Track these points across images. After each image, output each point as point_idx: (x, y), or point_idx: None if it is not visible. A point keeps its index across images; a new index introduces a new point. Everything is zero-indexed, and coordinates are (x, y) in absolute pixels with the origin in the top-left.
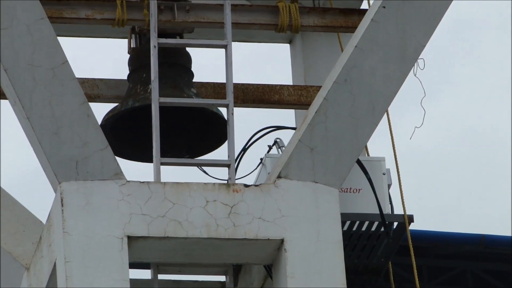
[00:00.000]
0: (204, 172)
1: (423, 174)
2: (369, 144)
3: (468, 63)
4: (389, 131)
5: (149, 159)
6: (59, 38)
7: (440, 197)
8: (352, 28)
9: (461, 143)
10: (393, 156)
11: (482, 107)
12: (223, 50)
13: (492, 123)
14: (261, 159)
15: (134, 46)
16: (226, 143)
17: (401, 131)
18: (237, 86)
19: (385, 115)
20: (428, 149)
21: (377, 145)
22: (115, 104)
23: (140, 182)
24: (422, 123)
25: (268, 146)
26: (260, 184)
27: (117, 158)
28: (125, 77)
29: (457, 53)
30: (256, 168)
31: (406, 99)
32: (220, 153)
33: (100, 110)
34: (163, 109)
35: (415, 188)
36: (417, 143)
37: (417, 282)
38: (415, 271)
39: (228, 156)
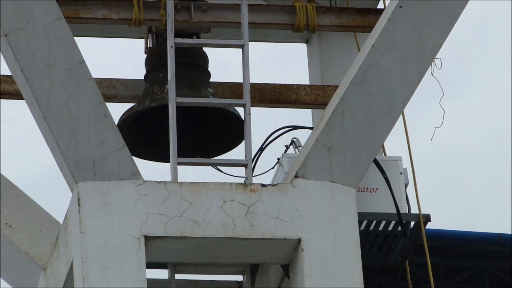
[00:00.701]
0: (220, 170)
1: (441, 173)
2: (386, 144)
3: (489, 61)
4: (408, 130)
5: (166, 159)
6: (75, 38)
7: (457, 196)
8: (369, 28)
9: (479, 143)
10: (409, 155)
11: (503, 106)
12: (240, 50)
13: (508, 121)
14: (278, 158)
15: (151, 46)
16: (243, 143)
17: (420, 131)
18: (254, 86)
19: (405, 113)
20: (447, 149)
21: (394, 145)
22: (132, 104)
23: (157, 182)
24: (442, 123)
25: (285, 146)
26: (277, 183)
27: (134, 158)
28: (142, 77)
29: (477, 52)
30: (273, 167)
31: (425, 98)
32: (237, 153)
33: (117, 110)
34: (180, 109)
35: (433, 188)
36: (436, 143)
37: (432, 282)
38: (430, 270)
39: (245, 156)
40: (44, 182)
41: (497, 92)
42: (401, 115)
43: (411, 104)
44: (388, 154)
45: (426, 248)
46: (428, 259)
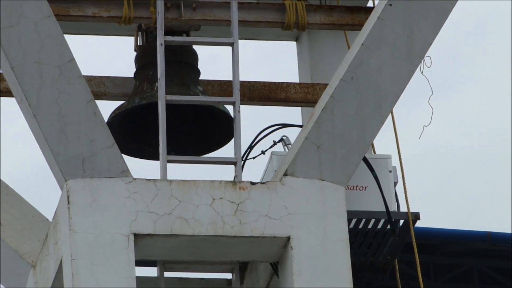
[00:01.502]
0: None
1: (430, 171)
2: (375, 142)
3: (481, 60)
4: (397, 128)
5: (155, 157)
6: (66, 36)
7: (447, 194)
8: (358, 26)
9: (468, 141)
10: (398, 154)
11: (493, 105)
12: (230, 48)
13: (497, 120)
14: (262, 151)
15: (141, 44)
16: (232, 140)
17: (409, 129)
18: (243, 84)
19: (394, 111)
20: (436, 147)
21: (384, 143)
22: (122, 102)
23: (147, 179)
24: (430, 122)
25: (273, 141)
26: (267, 181)
27: (124, 155)
28: (132, 75)
29: (469, 50)
30: (256, 157)
31: (415, 97)
32: (227, 151)
33: (107, 107)
34: (169, 106)
35: (422, 186)
36: (425, 141)
37: (420, 280)
38: (419, 268)
39: (235, 154)
40: (34, 180)
41: (488, 91)
42: (395, 112)
43: (400, 103)
44: (377, 152)
45: (415, 246)
46: (417, 257)
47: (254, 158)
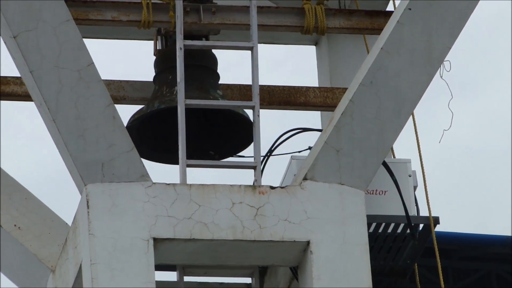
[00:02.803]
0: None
1: (450, 175)
2: (395, 146)
3: (502, 64)
4: (415, 133)
5: (175, 161)
6: (84, 40)
7: (467, 198)
8: (378, 30)
9: (488, 144)
10: (419, 158)
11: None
12: (249, 52)
13: None
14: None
15: (160, 48)
16: (252, 145)
17: (429, 133)
18: (263, 88)
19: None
20: (456, 151)
21: (403, 147)
22: (141, 106)
23: (166, 184)
24: (450, 126)
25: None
26: (286, 186)
27: (143, 160)
28: (151, 79)
29: (489, 53)
30: (273, 147)
31: (434, 100)
32: (246, 155)
33: (126, 112)
34: (189, 111)
35: (442, 190)
36: (445, 145)
37: (442, 284)
38: (440, 273)
39: (254, 158)
40: (53, 184)
41: (508, 93)
42: (411, 117)
43: (420, 107)
44: (397, 156)
45: (437, 251)
46: (438, 261)
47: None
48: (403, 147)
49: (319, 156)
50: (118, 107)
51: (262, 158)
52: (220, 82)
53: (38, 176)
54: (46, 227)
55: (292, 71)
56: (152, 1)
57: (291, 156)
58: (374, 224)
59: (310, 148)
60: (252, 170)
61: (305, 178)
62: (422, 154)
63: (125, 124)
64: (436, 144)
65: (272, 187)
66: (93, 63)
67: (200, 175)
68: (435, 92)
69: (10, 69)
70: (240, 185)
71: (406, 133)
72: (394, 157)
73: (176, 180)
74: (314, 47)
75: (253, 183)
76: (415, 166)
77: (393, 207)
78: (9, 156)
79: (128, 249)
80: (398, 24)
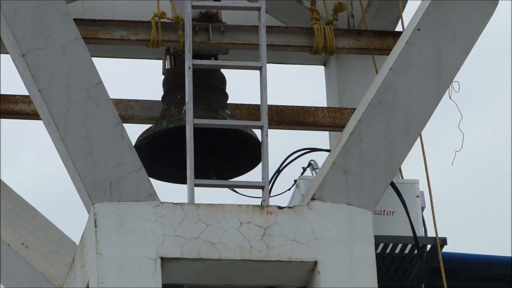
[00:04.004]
0: (236, 191)
1: (459, 196)
2: (403, 167)
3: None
4: (422, 153)
5: (183, 181)
6: (93, 58)
7: (475, 219)
8: (387, 50)
9: (495, 166)
10: (426, 178)
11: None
12: (258, 71)
13: None
14: (295, 180)
15: (169, 67)
16: (260, 165)
17: (437, 154)
18: (271, 108)
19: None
20: (464, 172)
21: (411, 168)
22: (149, 125)
23: (174, 203)
24: (461, 147)
25: (302, 168)
26: (294, 206)
27: (151, 179)
28: (160, 98)
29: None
30: (289, 189)
31: (443, 121)
32: (254, 174)
33: (134, 131)
34: (197, 130)
35: (451, 210)
36: (453, 166)
37: None
38: None
39: (262, 178)
40: (61, 203)
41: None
42: (419, 138)
43: (429, 127)
44: (405, 177)
45: (443, 271)
46: (445, 282)
47: (289, 189)
48: (411, 167)
49: (327, 176)
50: (127, 126)
51: (270, 178)
52: (228, 101)
53: (46, 195)
54: (54, 246)
55: (300, 91)
56: (161, 20)
57: (299, 176)
58: (381, 245)
59: (310, 163)
60: (260, 190)
61: (313, 198)
62: (431, 174)
63: (133, 143)
64: (444, 164)
65: (280, 207)
66: (101, 82)
67: (208, 194)
68: (443, 112)
69: (19, 88)
70: (248, 205)
71: (414, 153)
72: (402, 177)
73: (184, 199)
74: (323, 67)
75: (261, 203)
76: (423, 186)
77: (400, 227)
78: (17, 174)
79: (136, 268)
80: (407, 44)
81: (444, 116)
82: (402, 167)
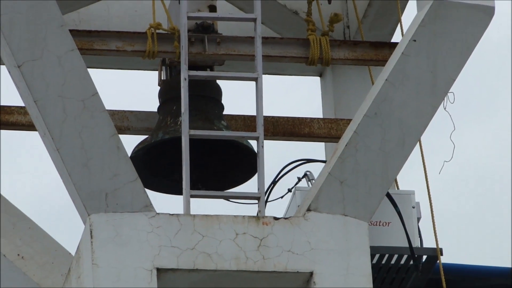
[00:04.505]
0: (235, 202)
1: (453, 207)
2: (399, 178)
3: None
4: (420, 164)
5: (178, 192)
6: (89, 69)
7: (468, 230)
8: (382, 62)
9: (490, 177)
10: (424, 188)
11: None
12: (254, 82)
13: None
14: (289, 189)
15: (165, 78)
16: (256, 176)
17: (433, 165)
18: (267, 119)
19: (418, 146)
20: (458, 182)
21: (407, 179)
22: (145, 136)
23: (170, 214)
24: (451, 157)
25: (298, 177)
26: (290, 217)
27: (147, 190)
28: (155, 109)
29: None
30: (282, 197)
31: (436, 132)
32: (250, 186)
33: (130, 142)
34: (193, 141)
35: (446, 221)
36: (447, 177)
37: None
38: None
39: (258, 189)
40: (57, 214)
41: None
42: (416, 148)
43: (425, 137)
44: (401, 188)
45: (444, 281)
46: None
47: (282, 197)
48: (406, 178)
49: (323, 187)
50: (122, 137)
51: (266, 189)
52: (224, 112)
53: (42, 206)
54: (50, 256)
55: (296, 102)
56: (157, 31)
57: (295, 187)
58: (377, 255)
59: (306, 174)
60: (256, 201)
61: (308, 209)
62: (425, 185)
63: (129, 154)
64: (439, 176)
65: (275, 218)
66: (97, 93)
67: (204, 205)
68: (440, 122)
69: (14, 99)
70: (243, 216)
71: (410, 164)
72: (397, 188)
73: (180, 210)
74: (318, 78)
75: (257, 214)
76: (419, 197)
77: (396, 238)
78: (13, 185)
79: (132, 279)
80: (402, 55)
81: (440, 126)
82: (398, 178)
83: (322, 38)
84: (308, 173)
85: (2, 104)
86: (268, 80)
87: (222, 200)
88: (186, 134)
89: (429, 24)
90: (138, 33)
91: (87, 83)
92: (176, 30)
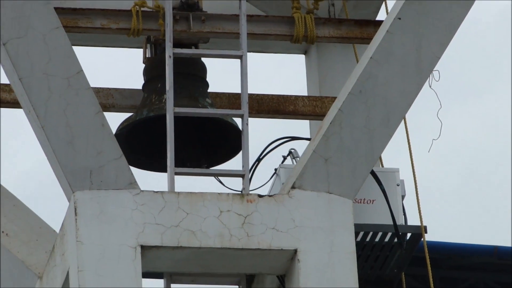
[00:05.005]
0: (220, 182)
1: (438, 185)
2: (383, 156)
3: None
4: (405, 142)
5: (163, 169)
6: (74, 47)
7: (452, 208)
8: (367, 40)
9: (475, 156)
10: (409, 166)
11: (500, 119)
12: (239, 60)
13: (505, 134)
14: (275, 169)
15: (149, 56)
16: (240, 153)
17: (418, 143)
18: (252, 97)
19: (403, 124)
20: (444, 161)
21: (391, 157)
22: (130, 114)
23: (154, 192)
24: (439, 135)
25: (283, 156)
26: (274, 194)
27: (131, 167)
28: (140, 87)
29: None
30: (270, 179)
31: (423, 110)
32: (235, 163)
33: (115, 119)
34: (177, 119)
35: (429, 199)
36: (433, 155)
37: None
38: (431, 281)
39: (243, 167)
40: (41, 191)
41: (495, 104)
42: (400, 126)
43: (408, 116)
44: (385, 165)
45: (428, 259)
46: (430, 270)
47: (270, 179)
48: (391, 156)
49: (307, 165)
50: (107, 114)
51: (250, 166)
52: (209, 90)
53: (27, 183)
54: (34, 234)
55: (281, 80)
56: (142, 9)
57: (280, 165)
58: (361, 233)
59: (290, 152)
60: (240, 179)
61: (293, 187)
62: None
63: (113, 131)
64: (423, 154)
65: (260, 196)
66: (82, 70)
67: (188, 183)
68: (425, 101)
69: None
70: (228, 193)
71: (395, 142)
72: (382, 166)
73: (164, 188)
74: (303, 56)
75: (241, 192)
76: (404, 175)
77: (380, 216)
78: None
79: (116, 256)
80: (387, 33)
81: (426, 105)
82: (382, 155)
83: (307, 16)
84: (292, 151)
85: None
86: (252, 58)
87: (208, 177)
88: (170, 111)
89: (414, 2)
90: (123, 11)
91: (72, 61)
92: (161, 8)
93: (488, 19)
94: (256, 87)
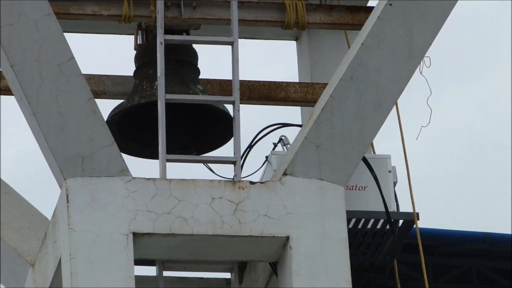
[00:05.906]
0: (210, 169)
1: (429, 172)
2: (375, 142)
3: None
4: (396, 128)
5: (155, 156)
6: (65, 34)
7: (445, 195)
8: (358, 26)
9: (467, 142)
10: (401, 153)
11: (491, 106)
12: (230, 47)
13: (496, 121)
14: (267, 156)
15: (141, 42)
16: (232, 140)
17: (409, 130)
18: (243, 83)
19: (395, 111)
20: (435, 147)
21: (383, 143)
22: (121, 101)
23: (146, 179)
24: (429, 122)
25: (273, 143)
26: (266, 181)
27: (123, 154)
28: (132, 74)
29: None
30: (261, 166)
31: (413, 97)
32: (226, 150)
33: (106, 106)
34: (169, 105)
35: (421, 186)
36: (424, 142)
37: (426, 279)
38: (424, 268)
39: (234, 153)
40: (33, 178)
41: (487, 91)
42: (392, 113)
43: (399, 103)
44: (377, 152)
45: (420, 245)
46: (422, 256)
47: (261, 166)
48: (383, 143)
49: (299, 152)
50: (99, 101)
51: (242, 153)
52: (200, 77)
53: (18, 170)
54: (26, 221)
55: (272, 67)
56: None
57: (271, 152)
58: (353, 220)
59: (281, 138)
60: (232, 165)
61: (285, 174)
62: (401, 150)
63: (105, 118)
64: (416, 140)
65: (252, 182)
66: (73, 57)
67: (180, 170)
68: (417, 88)
69: None
70: (219, 180)
71: (387, 129)
72: (374, 153)
73: (156, 175)
74: (294, 42)
75: (233, 178)
76: (395, 162)
77: (372, 202)
78: None
79: (108, 243)
80: (378, 19)
81: (418, 91)
82: (374, 142)
83: (298, 2)
84: (283, 137)
85: None
86: (244, 44)
87: (200, 164)
88: (162, 98)
89: None
90: None
91: (63, 48)
92: None
93: (479, 4)
94: (247, 74)
